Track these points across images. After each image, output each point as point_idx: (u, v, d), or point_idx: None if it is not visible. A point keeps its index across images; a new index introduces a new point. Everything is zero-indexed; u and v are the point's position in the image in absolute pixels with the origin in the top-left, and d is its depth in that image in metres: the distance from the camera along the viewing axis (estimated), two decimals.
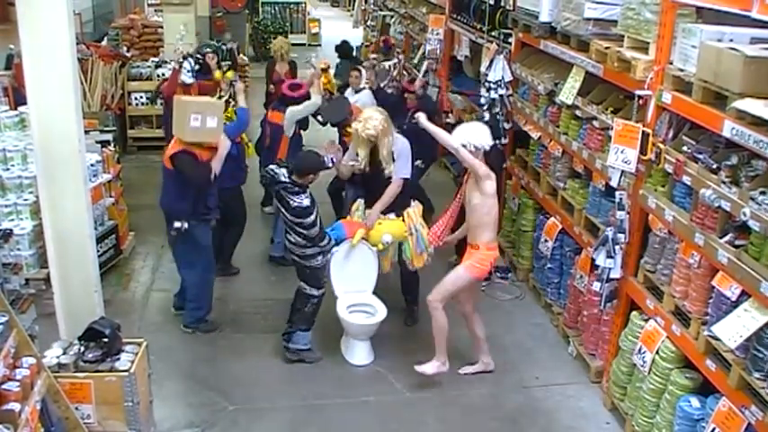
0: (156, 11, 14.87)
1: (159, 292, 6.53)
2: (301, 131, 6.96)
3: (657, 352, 4.37)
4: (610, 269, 4.70)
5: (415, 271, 5.77)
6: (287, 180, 5.14)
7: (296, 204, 5.10)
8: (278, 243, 6.89)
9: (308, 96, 6.82)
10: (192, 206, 5.51)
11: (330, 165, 5.36)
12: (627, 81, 4.65)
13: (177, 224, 5.48)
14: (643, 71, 4.42)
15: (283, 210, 5.21)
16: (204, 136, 5.34)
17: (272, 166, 5.36)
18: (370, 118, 5.46)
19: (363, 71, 8.08)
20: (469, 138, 4.97)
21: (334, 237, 5.58)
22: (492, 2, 7.48)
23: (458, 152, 4.95)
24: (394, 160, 5.58)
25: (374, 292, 5.72)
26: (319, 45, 19.99)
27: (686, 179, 4.07)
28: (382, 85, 8.01)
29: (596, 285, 4.88)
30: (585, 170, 5.63)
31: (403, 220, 5.64)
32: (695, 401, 4.10)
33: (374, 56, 9.13)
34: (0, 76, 8.47)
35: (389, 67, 9.19)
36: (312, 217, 5.14)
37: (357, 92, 7.92)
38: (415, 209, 5.66)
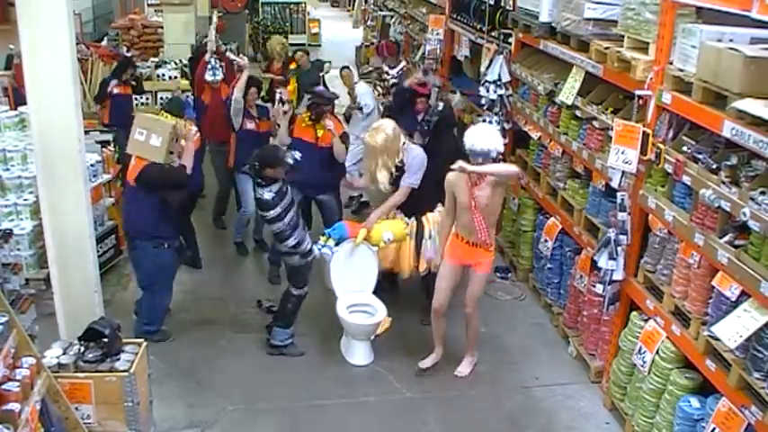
0: (156, 11, 14.88)
1: None
2: (248, 126, 6.90)
3: (657, 352, 4.37)
4: (612, 271, 4.69)
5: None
6: (254, 170, 5.15)
7: (258, 196, 5.16)
8: (257, 229, 7.35)
9: None
10: (158, 229, 5.42)
11: (291, 162, 5.19)
12: (627, 81, 4.65)
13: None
14: (643, 71, 4.42)
15: (260, 209, 5.28)
16: (144, 152, 5.30)
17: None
18: (378, 128, 5.53)
19: (352, 69, 8.21)
20: (483, 143, 4.88)
21: (335, 236, 5.60)
22: (492, 2, 7.48)
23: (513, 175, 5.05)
24: (404, 171, 5.59)
25: (375, 293, 5.73)
26: (319, 45, 19.98)
27: (686, 179, 4.07)
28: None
29: (599, 288, 4.87)
30: (585, 170, 5.63)
31: (420, 224, 5.67)
32: (695, 401, 4.10)
33: (376, 66, 8.94)
34: (0, 76, 8.48)
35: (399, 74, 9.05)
36: (273, 212, 5.14)
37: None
38: (437, 214, 5.59)
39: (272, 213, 5.15)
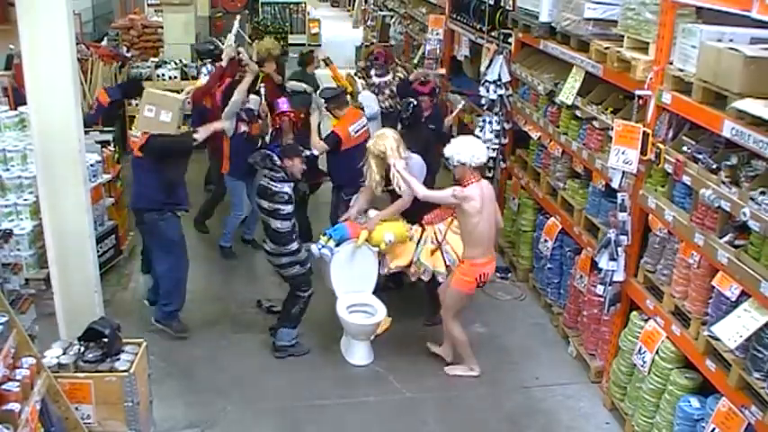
0: (156, 11, 14.88)
1: None
2: (245, 131, 6.92)
3: (657, 352, 4.37)
4: (613, 272, 4.69)
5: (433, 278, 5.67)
6: (278, 164, 5.27)
7: (277, 190, 5.22)
8: (248, 230, 7.42)
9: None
10: (165, 197, 5.50)
11: (307, 155, 5.53)
12: (627, 81, 4.65)
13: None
14: (643, 71, 4.42)
15: (263, 201, 5.29)
16: (156, 127, 5.37)
17: (266, 151, 5.51)
18: (382, 136, 5.62)
19: (356, 78, 8.36)
20: (457, 152, 5.02)
21: (336, 237, 5.61)
22: (492, 2, 7.48)
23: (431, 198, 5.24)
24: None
25: (375, 293, 5.73)
26: (319, 45, 19.99)
27: (686, 179, 4.07)
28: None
29: (599, 289, 4.87)
30: (585, 170, 5.63)
31: (423, 229, 5.70)
32: (695, 401, 4.10)
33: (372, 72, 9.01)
34: (0, 76, 8.47)
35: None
36: (289, 208, 5.25)
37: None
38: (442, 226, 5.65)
39: (287, 209, 5.24)
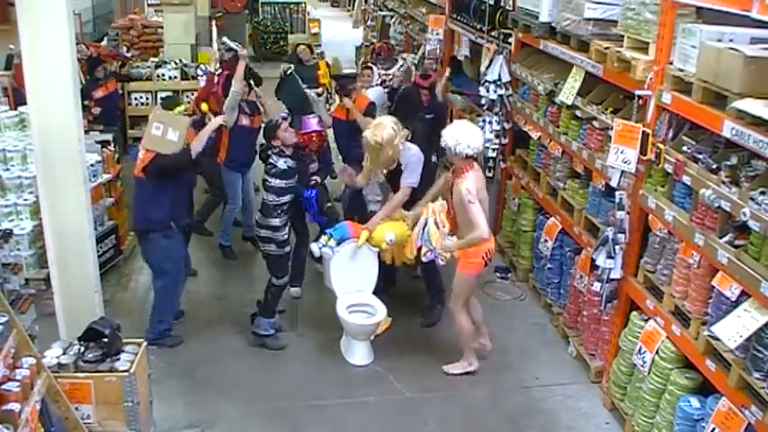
0: (156, 11, 14.88)
1: None
2: (244, 122, 6.90)
3: (657, 352, 4.37)
4: (610, 269, 4.70)
5: (432, 263, 5.58)
6: (273, 144, 5.50)
7: (273, 162, 5.39)
8: (247, 227, 7.38)
9: None
10: (168, 214, 5.44)
11: (279, 118, 5.70)
12: (627, 81, 4.65)
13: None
14: (643, 71, 4.42)
15: (265, 173, 5.46)
16: (162, 146, 5.33)
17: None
18: (379, 125, 5.57)
19: (375, 69, 8.43)
20: (448, 140, 5.00)
21: (336, 236, 5.61)
22: (492, 2, 7.48)
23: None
24: (402, 169, 5.60)
25: (375, 293, 5.73)
26: (319, 45, 19.98)
27: (686, 179, 4.07)
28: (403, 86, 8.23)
29: (596, 286, 4.89)
30: (585, 170, 5.63)
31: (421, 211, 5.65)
32: (695, 401, 4.10)
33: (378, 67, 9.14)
34: (0, 76, 8.48)
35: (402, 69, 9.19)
36: (282, 182, 5.35)
37: (367, 89, 8.08)
38: (439, 205, 5.51)
39: (281, 183, 5.33)
